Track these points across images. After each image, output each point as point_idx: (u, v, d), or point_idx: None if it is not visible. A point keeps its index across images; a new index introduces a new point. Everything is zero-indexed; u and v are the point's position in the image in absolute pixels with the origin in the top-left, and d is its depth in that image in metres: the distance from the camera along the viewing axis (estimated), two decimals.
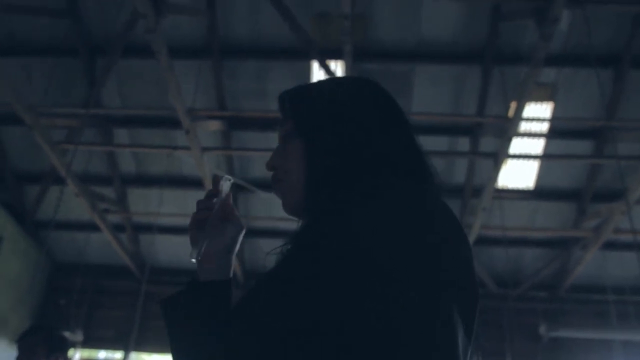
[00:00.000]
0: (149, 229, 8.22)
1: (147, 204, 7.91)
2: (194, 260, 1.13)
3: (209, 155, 6.57)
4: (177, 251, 8.49)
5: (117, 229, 8.09)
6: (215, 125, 6.54)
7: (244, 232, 1.17)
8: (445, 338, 0.84)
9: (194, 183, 7.43)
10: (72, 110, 6.37)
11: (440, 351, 0.83)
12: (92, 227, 7.91)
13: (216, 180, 1.17)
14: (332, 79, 1.21)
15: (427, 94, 6.62)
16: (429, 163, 1.12)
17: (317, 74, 6.39)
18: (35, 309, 8.50)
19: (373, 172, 1.01)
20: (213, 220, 1.14)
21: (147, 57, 5.96)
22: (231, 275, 1.15)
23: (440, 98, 6.68)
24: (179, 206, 7.71)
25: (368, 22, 6.15)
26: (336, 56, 6.02)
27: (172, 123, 6.50)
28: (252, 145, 6.95)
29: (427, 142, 6.29)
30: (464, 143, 6.98)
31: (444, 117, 6.65)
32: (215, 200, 1.17)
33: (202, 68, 6.44)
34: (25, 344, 2.88)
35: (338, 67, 6.19)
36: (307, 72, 6.45)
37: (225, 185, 1.18)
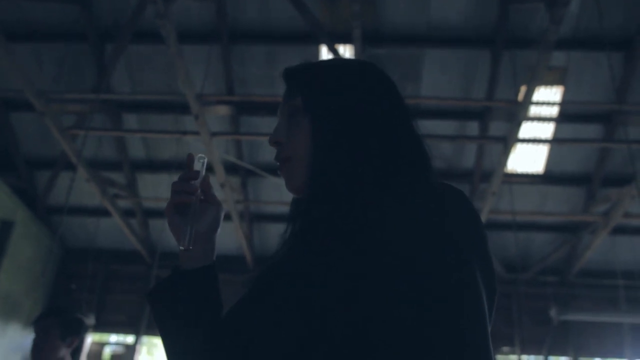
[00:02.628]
0: (158, 214, 8.26)
1: (157, 189, 7.95)
2: (183, 248, 1.07)
3: (218, 140, 6.59)
4: None
5: (128, 214, 8.14)
6: (224, 110, 6.55)
7: (223, 211, 1.15)
8: (478, 315, 0.84)
9: None
10: (82, 95, 6.39)
11: (474, 325, 0.82)
12: (103, 213, 7.96)
13: (191, 159, 1.12)
14: (339, 60, 1.15)
15: (436, 78, 6.60)
16: (428, 150, 1.10)
17: (326, 58, 6.37)
18: (47, 293, 8.58)
19: (381, 159, 1.01)
20: (196, 204, 1.09)
21: (157, 43, 5.97)
22: (215, 256, 1.13)
23: (449, 82, 6.66)
24: None
25: (377, 7, 6.13)
26: (345, 40, 6.01)
27: (182, 108, 6.52)
28: (260, 129, 6.96)
29: (437, 127, 6.33)
30: (473, 127, 6.96)
31: (453, 102, 6.63)
32: (194, 182, 1.10)
33: (211, 53, 6.43)
34: (40, 326, 2.91)
35: (347, 52, 6.17)
36: (316, 56, 6.44)
37: (200, 165, 1.13)
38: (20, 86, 5.79)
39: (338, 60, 1.17)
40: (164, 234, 8.42)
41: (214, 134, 6.32)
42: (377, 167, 0.99)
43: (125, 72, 6.81)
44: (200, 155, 1.14)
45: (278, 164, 1.09)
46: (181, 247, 1.07)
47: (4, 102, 7.22)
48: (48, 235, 8.24)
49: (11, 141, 7.58)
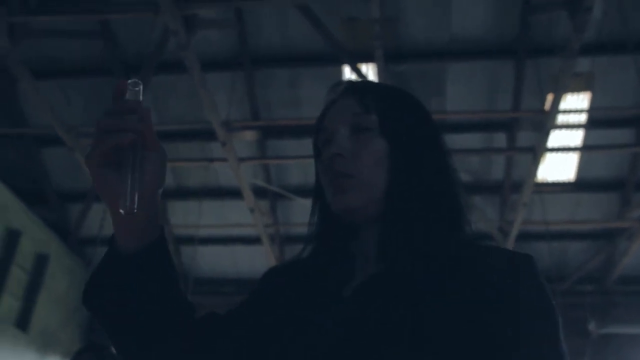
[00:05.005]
0: (190, 241, 8.31)
1: (187, 216, 8.00)
2: (123, 212, 0.81)
3: (246, 165, 6.62)
4: (219, 261, 8.58)
5: None
6: (250, 135, 6.58)
7: (167, 159, 0.92)
8: None
9: (232, 193, 7.48)
10: None
11: None
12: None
13: (122, 86, 0.86)
14: (394, 86, 1.14)
15: (460, 92, 6.57)
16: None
17: (349, 78, 6.38)
18: (84, 325, 8.65)
19: (456, 191, 1.04)
20: (138, 147, 0.85)
21: (181, 72, 6.03)
22: (161, 225, 0.95)
23: (474, 95, 6.62)
24: (218, 217, 7.79)
25: (398, 24, 6.13)
26: (367, 59, 6.01)
27: (208, 135, 6.57)
28: (287, 152, 6.98)
29: (463, 140, 6.29)
30: (500, 139, 6.90)
31: (479, 114, 6.59)
32: (132, 117, 0.83)
33: (235, 79, 6.49)
34: None
35: (370, 70, 6.18)
36: (339, 77, 6.46)
37: (135, 93, 0.86)
38: (50, 122, 5.90)
39: (397, 87, 1.16)
40: (195, 260, 8.46)
41: (242, 160, 6.36)
42: (456, 201, 1.02)
43: (151, 102, 6.89)
44: (134, 80, 0.87)
45: (333, 176, 1.01)
46: (121, 211, 0.80)
47: (35, 138, 7.35)
48: (82, 266, 8.32)
49: (43, 176, 7.70)
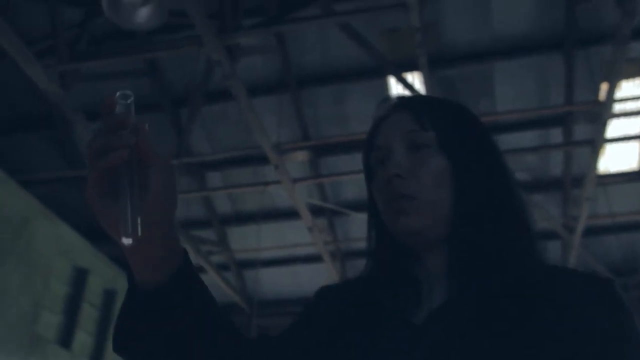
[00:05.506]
0: (251, 264, 8.37)
1: (247, 240, 8.06)
2: (127, 243, 0.71)
3: (300, 185, 6.63)
4: (282, 282, 8.62)
5: (222, 268, 8.29)
6: (302, 156, 6.60)
7: (174, 171, 0.83)
8: None
9: (289, 214, 7.52)
10: None
11: None
12: (199, 270, 8.13)
13: (111, 102, 0.76)
14: (446, 99, 1.08)
15: (510, 91, 6.45)
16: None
17: (396, 88, 6.35)
18: None
19: (519, 209, 0.99)
20: (133, 166, 0.75)
21: (228, 100, 6.11)
22: (182, 247, 0.85)
23: (524, 92, 6.49)
24: (277, 239, 7.83)
25: (439, 29, 6.07)
26: (411, 68, 5.97)
27: (261, 159, 6.61)
28: (340, 169, 6.97)
29: (518, 139, 6.15)
30: (556, 134, 6.73)
31: (531, 112, 6.45)
32: (123, 133, 0.74)
33: (282, 102, 6.53)
34: None
35: (415, 79, 6.13)
36: (385, 89, 6.43)
37: (126, 106, 0.76)
38: None
39: (453, 100, 1.10)
40: (258, 283, 8.52)
41: (296, 181, 6.37)
42: (525, 218, 0.98)
43: (202, 132, 6.99)
44: (123, 92, 0.76)
45: (392, 198, 0.96)
46: (124, 242, 0.71)
47: None
48: None
49: None
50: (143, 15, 4.23)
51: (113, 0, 4.17)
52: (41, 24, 5.56)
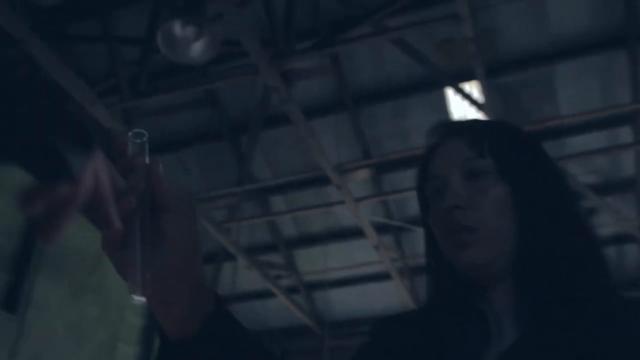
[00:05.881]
0: (320, 286, 8.36)
1: (314, 262, 8.06)
2: (138, 300, 0.63)
3: (364, 204, 6.59)
4: (352, 302, 8.56)
5: (291, 291, 8.30)
6: (363, 174, 6.57)
7: (195, 214, 0.73)
8: None
9: (355, 233, 7.48)
10: (228, 190, 6.66)
11: None
12: (268, 294, 8.17)
13: (122, 142, 0.69)
14: (501, 121, 1.03)
15: (573, 93, 6.26)
16: None
17: (454, 100, 6.26)
18: None
19: (588, 236, 0.94)
20: (143, 212, 0.67)
21: (286, 124, 6.14)
22: (215, 293, 0.79)
23: (588, 93, 6.28)
24: (344, 259, 7.80)
25: (494, 37, 5.96)
26: (468, 78, 5.87)
27: (322, 180, 6.61)
28: (403, 185, 6.90)
29: (585, 142, 5.95)
30: (625, 133, 6.49)
31: (597, 113, 6.23)
32: (135, 175, 0.67)
33: (340, 121, 6.53)
34: None
35: (473, 89, 6.03)
36: (443, 100, 6.35)
37: (139, 146, 0.69)
38: None
39: (505, 122, 1.05)
40: (329, 304, 8.50)
41: (359, 200, 6.34)
42: (594, 246, 0.92)
43: (263, 158, 7.05)
44: (136, 131, 0.69)
45: (452, 230, 0.91)
46: (135, 300, 0.62)
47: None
48: None
49: None
50: (197, 49, 4.31)
51: (167, 37, 4.27)
52: (101, 64, 5.74)
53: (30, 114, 0.50)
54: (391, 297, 8.10)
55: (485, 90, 5.51)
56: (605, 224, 6.57)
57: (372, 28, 5.19)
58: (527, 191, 0.92)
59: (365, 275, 8.21)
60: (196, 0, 4.27)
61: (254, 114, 6.45)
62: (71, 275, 6.65)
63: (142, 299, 0.63)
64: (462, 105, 6.27)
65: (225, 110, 6.79)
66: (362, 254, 7.67)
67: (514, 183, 0.92)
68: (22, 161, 0.50)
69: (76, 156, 0.55)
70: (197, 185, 6.87)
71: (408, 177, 6.82)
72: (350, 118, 6.58)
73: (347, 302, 8.60)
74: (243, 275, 7.60)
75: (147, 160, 0.70)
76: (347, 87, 6.41)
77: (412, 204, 7.23)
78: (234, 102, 6.71)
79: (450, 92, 6.21)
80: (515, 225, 0.90)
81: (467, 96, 5.82)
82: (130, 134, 0.69)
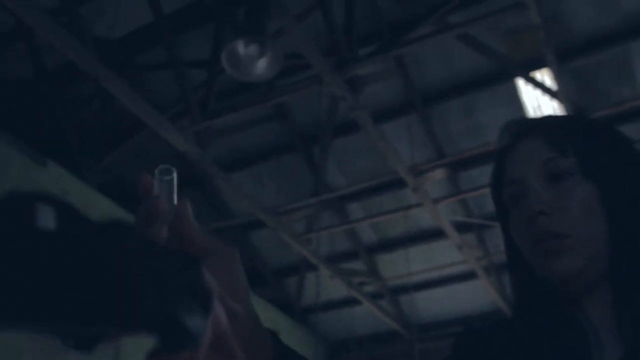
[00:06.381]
0: (405, 289, 8.28)
1: (396, 266, 7.99)
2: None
3: (442, 204, 6.49)
4: (439, 304, 8.44)
5: (376, 297, 8.25)
6: (439, 174, 6.46)
7: (237, 258, 0.67)
8: None
9: (435, 234, 7.38)
10: (305, 202, 6.70)
11: None
12: (353, 302, 8.15)
13: (146, 183, 0.61)
14: (578, 115, 0.94)
15: None
16: None
17: (525, 90, 6.09)
18: None
19: None
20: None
21: (356, 131, 6.13)
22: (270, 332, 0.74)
23: None
24: (426, 261, 7.70)
25: (562, 21, 5.76)
26: (539, 65, 5.70)
27: (398, 184, 6.56)
28: (480, 181, 6.75)
29: None
30: None
31: None
32: (160, 219, 0.59)
33: (410, 123, 6.47)
34: None
35: (545, 76, 5.84)
36: (514, 91, 6.18)
37: (167, 185, 0.62)
38: (250, 209, 6.24)
39: (578, 115, 0.99)
40: (415, 308, 8.41)
41: (437, 200, 6.25)
42: None
43: (336, 166, 7.06)
44: (164, 167, 0.62)
45: (540, 238, 0.84)
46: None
47: (241, 226, 7.82)
48: (311, 334, 8.61)
49: (256, 257, 8.15)
50: (261, 66, 4.36)
51: (232, 57, 4.33)
52: (169, 90, 5.90)
53: (151, 280, 0.48)
54: (478, 296, 7.94)
55: (558, 76, 5.33)
56: None
57: (435, 26, 5.12)
58: (616, 189, 0.86)
59: (450, 276, 8.07)
60: (256, 19, 4.32)
61: (324, 124, 6.47)
62: None
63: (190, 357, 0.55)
64: (534, 95, 6.09)
65: (294, 122, 6.84)
66: (445, 255, 7.55)
67: (600, 181, 0.85)
68: (145, 329, 0.49)
69: (196, 321, 0.52)
70: (274, 199, 6.94)
71: (485, 173, 6.65)
72: (420, 119, 6.50)
73: (433, 304, 8.49)
74: (327, 285, 7.61)
75: (176, 201, 0.62)
76: (415, 88, 6.33)
77: (491, 200, 7.06)
78: (303, 114, 6.75)
79: (521, 83, 6.04)
80: (605, 227, 0.84)
81: (539, 85, 5.65)
82: (156, 171, 0.62)
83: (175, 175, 0.62)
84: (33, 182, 5.02)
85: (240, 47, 4.36)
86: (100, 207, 5.62)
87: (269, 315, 8.02)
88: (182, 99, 5.30)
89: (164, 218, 0.59)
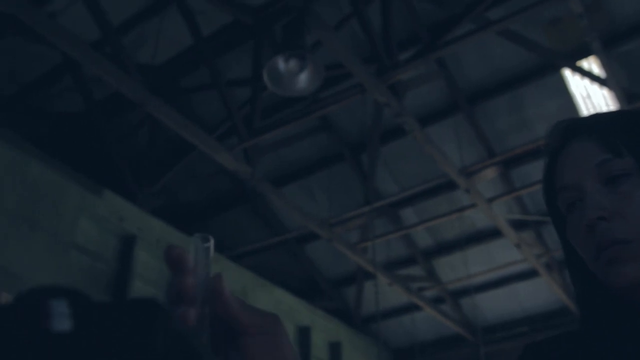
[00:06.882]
0: (466, 292, 8.16)
1: (455, 269, 7.90)
2: None
3: (497, 203, 6.39)
4: (502, 304, 8.29)
5: (437, 301, 8.17)
6: (491, 173, 6.37)
7: (283, 331, 0.61)
8: None
9: (492, 234, 7.28)
10: (357, 211, 6.69)
11: None
12: (414, 308, 8.08)
13: (177, 255, 0.56)
14: (629, 110, 0.87)
15: None
16: None
17: (573, 80, 5.96)
18: None
19: None
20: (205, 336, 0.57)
21: (403, 136, 6.10)
22: None
23: None
24: (485, 262, 7.58)
25: (605, 6, 5.62)
26: (585, 54, 5.57)
27: (450, 186, 6.49)
28: (533, 177, 6.62)
29: None
30: None
31: None
32: (193, 295, 0.56)
33: (457, 124, 6.40)
34: None
35: (592, 65, 5.71)
36: (561, 83, 6.06)
37: (203, 254, 0.58)
38: (303, 222, 6.28)
39: (630, 110, 0.90)
40: (478, 310, 8.27)
41: (490, 200, 6.16)
42: None
43: (387, 173, 7.04)
44: (201, 235, 0.58)
45: (602, 245, 0.80)
46: None
47: (297, 239, 7.86)
48: (373, 343, 8.56)
49: (313, 269, 8.18)
50: (303, 79, 4.39)
51: (273, 73, 4.38)
52: (215, 110, 6.00)
53: None
54: (542, 294, 7.78)
55: (606, 63, 5.20)
56: None
57: (474, 24, 5.06)
58: None
59: (511, 275, 7.93)
60: (294, 33, 4.36)
61: (370, 131, 6.46)
62: None
63: None
64: (582, 84, 5.95)
65: (340, 132, 6.86)
66: (503, 254, 7.43)
67: None
68: None
69: None
70: (326, 210, 6.96)
71: (538, 168, 6.53)
72: (467, 119, 6.43)
73: (496, 305, 8.34)
74: (386, 292, 7.57)
75: (210, 272, 0.58)
76: (458, 88, 6.27)
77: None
78: (348, 123, 6.76)
79: (567, 73, 5.91)
80: None
81: (587, 73, 5.53)
82: (193, 237, 0.58)
83: (212, 243, 0.58)
84: (90, 211, 5.16)
85: (281, 63, 4.40)
86: (154, 230, 5.73)
87: (330, 327, 8.02)
88: (228, 118, 5.37)
89: (197, 294, 0.56)
